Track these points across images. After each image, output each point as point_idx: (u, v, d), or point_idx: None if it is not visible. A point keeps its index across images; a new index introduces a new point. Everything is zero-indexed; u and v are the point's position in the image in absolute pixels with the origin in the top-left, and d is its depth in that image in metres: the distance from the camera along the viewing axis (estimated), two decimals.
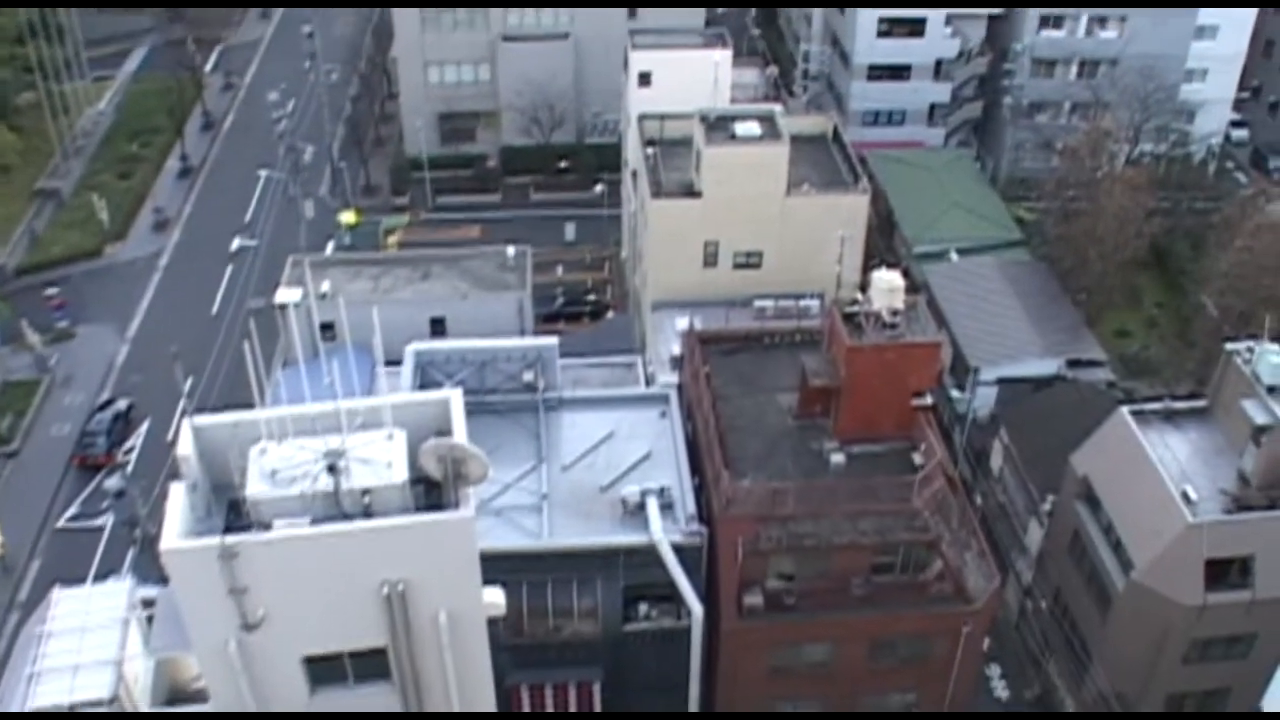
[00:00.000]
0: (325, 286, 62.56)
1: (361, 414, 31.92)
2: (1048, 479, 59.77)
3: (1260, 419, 49.58)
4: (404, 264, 68.26)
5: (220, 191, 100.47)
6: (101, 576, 60.46)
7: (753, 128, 66.33)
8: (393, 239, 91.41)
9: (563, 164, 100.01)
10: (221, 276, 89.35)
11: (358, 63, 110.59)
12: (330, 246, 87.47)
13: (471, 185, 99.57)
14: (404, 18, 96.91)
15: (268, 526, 30.40)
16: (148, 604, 37.73)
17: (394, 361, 47.90)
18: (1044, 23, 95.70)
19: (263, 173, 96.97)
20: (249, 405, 32.71)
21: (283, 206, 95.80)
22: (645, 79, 77.43)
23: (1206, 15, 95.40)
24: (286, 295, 61.35)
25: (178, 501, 30.71)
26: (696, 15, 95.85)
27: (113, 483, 67.58)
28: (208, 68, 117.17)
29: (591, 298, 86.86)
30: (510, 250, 68.23)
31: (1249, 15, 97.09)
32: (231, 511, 31.71)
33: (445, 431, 32.04)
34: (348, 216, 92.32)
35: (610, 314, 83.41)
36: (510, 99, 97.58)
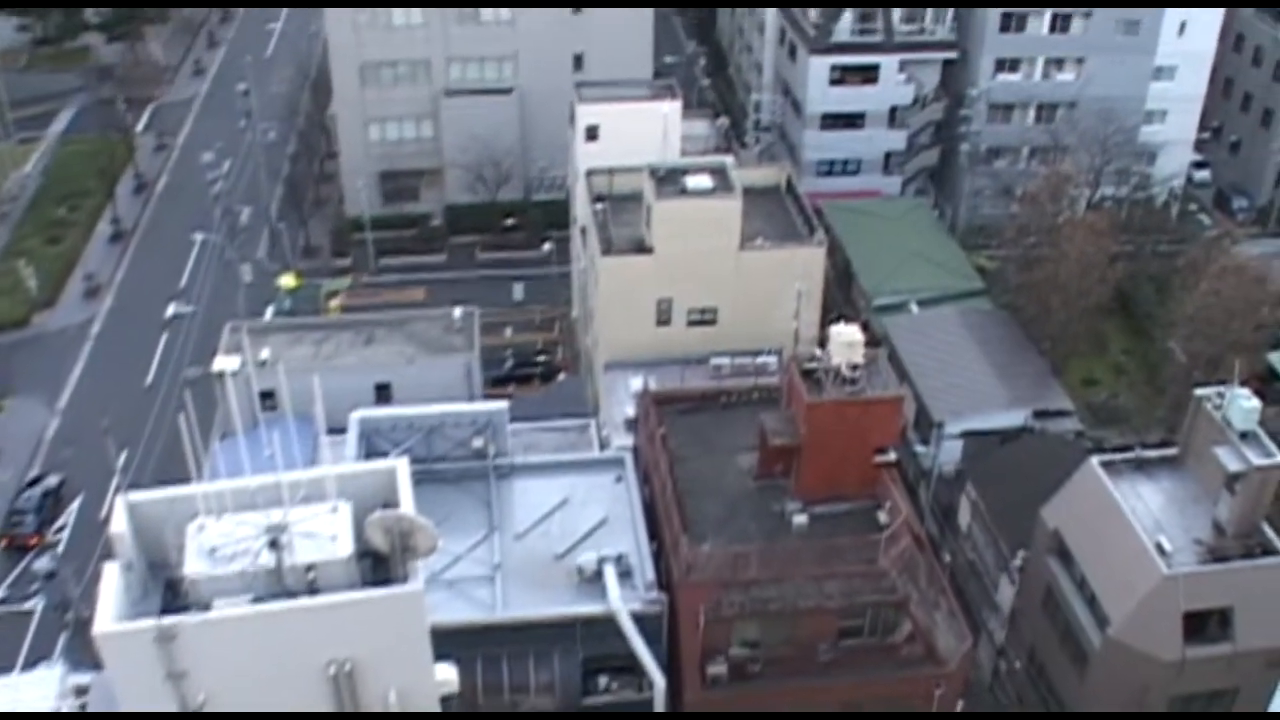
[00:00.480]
0: (264, 353, 62.27)
1: (304, 486, 31.78)
2: (1018, 534, 59.97)
3: (1233, 466, 49.91)
4: (347, 328, 68.12)
5: (154, 256, 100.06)
6: (31, 664, 59.71)
7: (704, 181, 66.86)
8: (334, 303, 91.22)
9: (509, 222, 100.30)
10: (156, 345, 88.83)
11: (296, 120, 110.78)
12: (269, 312, 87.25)
13: (415, 245, 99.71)
14: (343, 73, 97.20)
15: (207, 607, 30.13)
16: (81, 692, 37.23)
17: (338, 430, 47.70)
18: (1000, 66, 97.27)
19: (198, 236, 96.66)
20: (186, 480, 32.48)
21: (219, 271, 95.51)
22: (593, 133, 77.92)
23: (1164, 55, 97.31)
24: (224, 363, 61.04)
25: (112, 582, 30.40)
26: (644, 66, 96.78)
27: (43, 564, 66.73)
28: (139, 128, 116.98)
29: (542, 359, 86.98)
30: (457, 312, 68.24)
31: (1207, 55, 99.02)
32: (169, 592, 31.41)
33: (392, 502, 31.94)
34: (287, 280, 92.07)
35: (561, 376, 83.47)
36: (454, 156, 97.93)
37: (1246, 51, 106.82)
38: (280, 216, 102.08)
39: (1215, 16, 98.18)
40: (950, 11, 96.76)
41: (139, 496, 31.96)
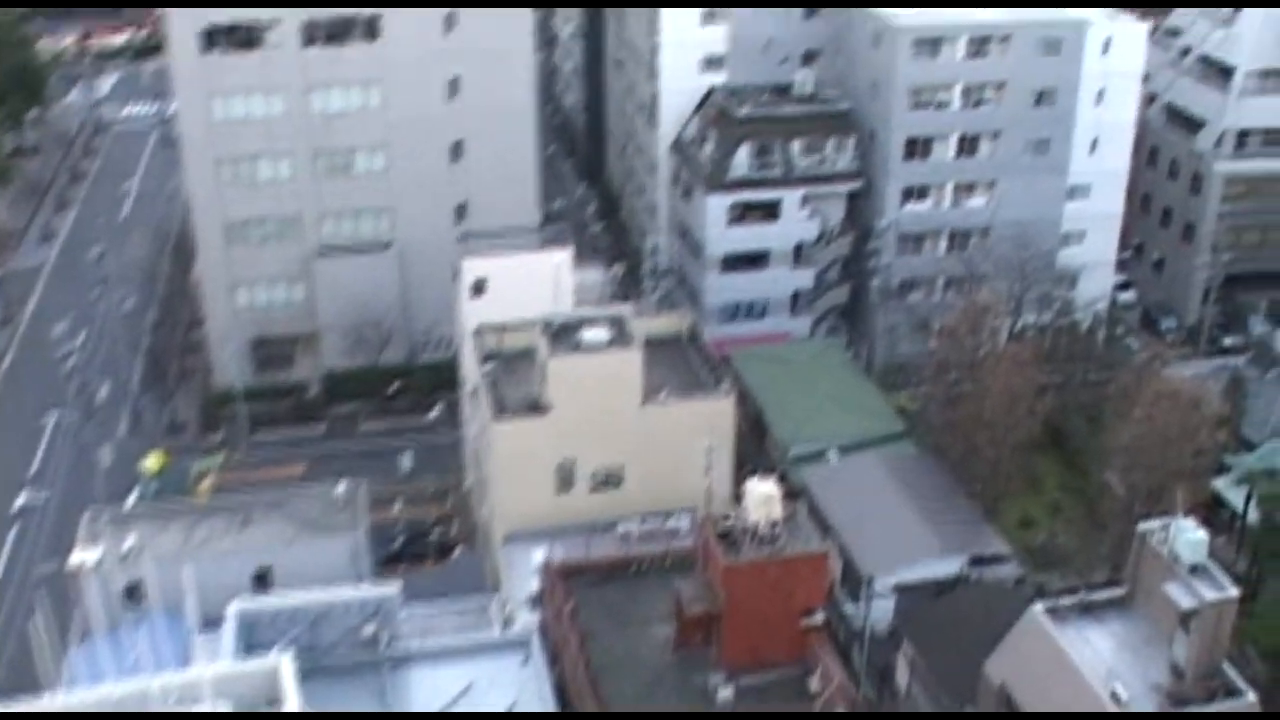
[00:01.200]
0: (128, 543, 61.25)
1: (176, 690, 31.26)
2: (962, 692, 59.99)
3: (1186, 603, 50.20)
4: (220, 511, 67.26)
5: (0, 440, 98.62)
6: None
7: (600, 334, 67.49)
8: (205, 483, 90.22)
9: (394, 387, 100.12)
10: (4, 540, 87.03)
11: (156, 287, 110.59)
12: (133, 497, 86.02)
13: (292, 417, 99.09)
14: (206, 233, 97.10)
15: None
16: None
17: (214, 623, 46.93)
18: (907, 195, 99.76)
19: (51, 416, 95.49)
20: (40, 691, 31.79)
21: (75, 454, 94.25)
22: (479, 287, 78.34)
23: (1077, 174, 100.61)
24: (83, 556, 60.01)
25: None
26: (531, 213, 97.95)
27: None
28: None
29: (435, 535, 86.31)
30: (340, 487, 67.77)
31: (1121, 171, 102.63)
32: None
33: (276, 701, 31.48)
34: (152, 461, 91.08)
35: (458, 551, 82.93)
36: (331, 318, 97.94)
37: (1162, 165, 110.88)
38: (142, 391, 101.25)
39: (1127, 132, 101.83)
40: (852, 140, 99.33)
41: None
